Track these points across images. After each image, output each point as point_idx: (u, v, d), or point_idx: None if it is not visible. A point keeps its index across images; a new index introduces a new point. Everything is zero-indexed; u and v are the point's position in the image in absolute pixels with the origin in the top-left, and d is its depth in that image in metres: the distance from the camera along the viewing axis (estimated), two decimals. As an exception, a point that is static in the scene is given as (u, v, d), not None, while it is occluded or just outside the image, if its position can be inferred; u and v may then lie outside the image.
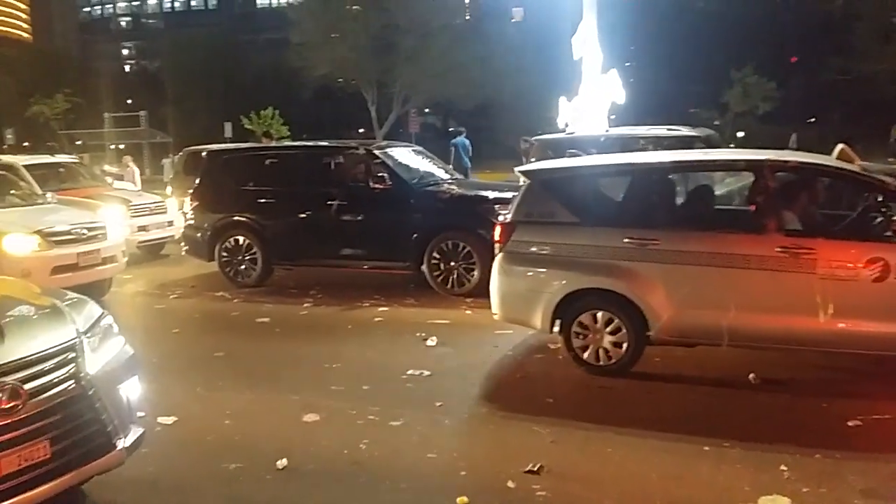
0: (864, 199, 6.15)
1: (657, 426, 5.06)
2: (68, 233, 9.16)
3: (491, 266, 6.67)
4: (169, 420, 5.41)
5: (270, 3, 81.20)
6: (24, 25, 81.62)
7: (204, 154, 12.31)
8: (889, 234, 5.49)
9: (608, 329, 6.05)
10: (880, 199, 5.79)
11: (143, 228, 13.09)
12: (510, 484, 4.30)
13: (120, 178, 18.79)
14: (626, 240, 5.95)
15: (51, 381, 3.54)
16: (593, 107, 13.77)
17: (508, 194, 8.98)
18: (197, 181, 11.23)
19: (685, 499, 4.09)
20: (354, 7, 44.03)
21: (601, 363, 6.11)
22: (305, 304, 9.38)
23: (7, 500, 3.29)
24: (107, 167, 25.26)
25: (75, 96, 48.40)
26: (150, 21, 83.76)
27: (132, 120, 46.81)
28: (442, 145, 23.11)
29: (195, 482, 4.55)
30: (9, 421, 3.32)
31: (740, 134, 42.60)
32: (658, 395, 5.72)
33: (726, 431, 4.86)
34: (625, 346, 6.01)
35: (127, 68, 78.60)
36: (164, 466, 4.67)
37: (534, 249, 6.32)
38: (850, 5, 43.91)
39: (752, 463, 4.45)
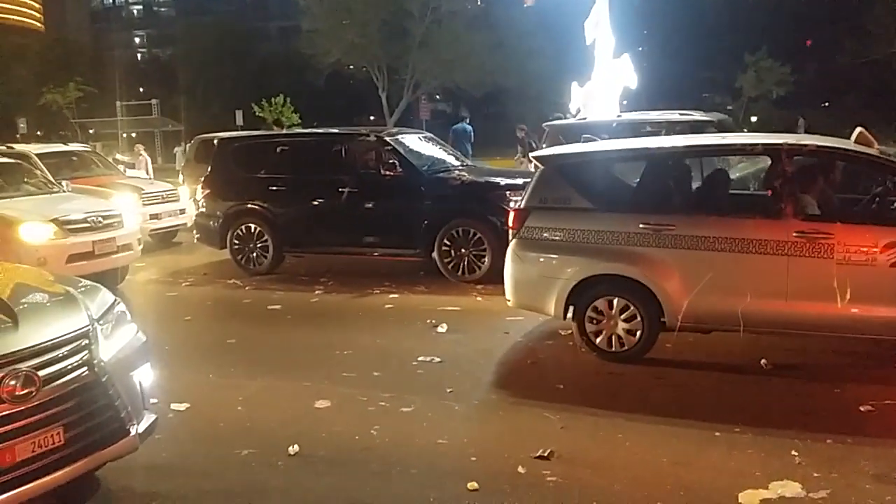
0: (881, 184, 6.09)
1: (667, 412, 5.05)
2: (84, 221, 9.18)
3: (501, 253, 6.65)
4: (182, 406, 5.45)
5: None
6: (36, 15, 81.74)
7: (215, 142, 12.34)
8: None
9: (623, 316, 6.03)
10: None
11: (155, 216, 13.15)
12: (520, 469, 4.31)
13: (132, 166, 18.91)
14: (642, 225, 5.92)
15: (65, 367, 3.56)
16: (605, 92, 13.69)
17: (519, 181, 8.99)
18: (208, 169, 11.27)
19: (696, 484, 4.08)
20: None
21: (614, 349, 6.11)
22: (317, 292, 9.40)
23: (22, 485, 3.32)
24: (118, 156, 25.41)
25: (88, 85, 48.49)
26: (162, 9, 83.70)
27: (144, 108, 46.98)
28: (453, 132, 22.99)
29: (208, 468, 4.58)
30: (23, 407, 3.35)
31: (754, 119, 42.25)
32: (669, 381, 5.71)
33: (737, 417, 4.85)
34: (638, 332, 5.99)
35: (139, 57, 78.73)
36: (177, 452, 4.71)
37: (548, 235, 6.30)
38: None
39: (763, 448, 4.44)
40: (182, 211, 13.60)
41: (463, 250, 9.29)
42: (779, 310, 5.57)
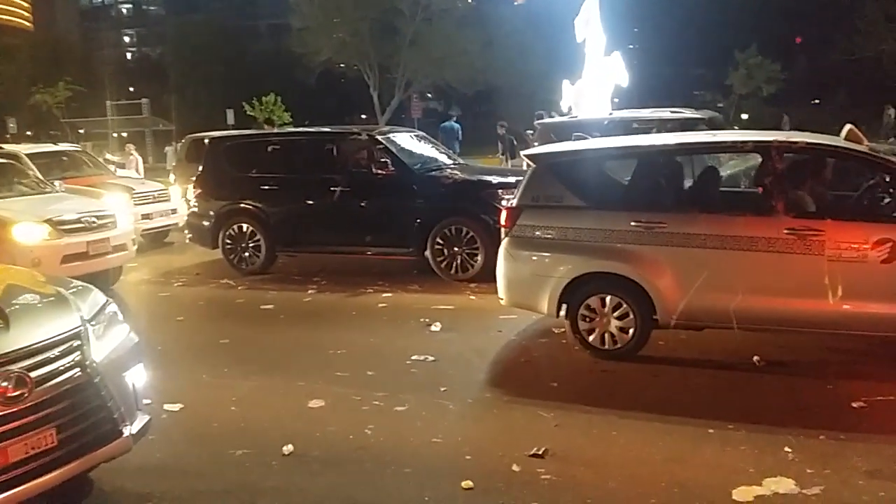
0: (871, 181, 6.11)
1: (661, 409, 5.06)
2: (78, 221, 9.13)
3: (494, 251, 6.65)
4: (175, 407, 5.43)
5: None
6: (26, 14, 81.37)
7: (206, 141, 12.30)
8: (897, 214, 5.47)
9: (615, 314, 6.04)
10: (888, 179, 5.76)
11: (146, 216, 13.08)
12: (515, 468, 4.32)
13: (122, 166, 18.81)
14: (633, 223, 5.93)
15: (57, 368, 3.55)
16: (597, 90, 13.71)
17: (511, 179, 8.99)
18: (200, 169, 11.24)
19: (690, 481, 4.09)
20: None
21: (607, 347, 6.11)
22: (309, 291, 9.39)
23: (15, 487, 3.30)
24: (109, 156, 25.28)
25: (77, 85, 48.31)
26: (152, 8, 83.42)
27: (134, 108, 46.88)
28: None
29: (202, 468, 4.56)
30: (15, 409, 3.33)
31: (744, 116, 42.40)
32: (662, 379, 5.72)
33: (730, 414, 4.87)
34: (631, 330, 6.00)
35: (129, 56, 78.49)
36: (171, 453, 4.69)
37: (540, 234, 6.30)
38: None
39: (756, 445, 4.45)
40: (173, 211, 13.55)
41: (456, 249, 9.28)
42: (771, 306, 5.59)
